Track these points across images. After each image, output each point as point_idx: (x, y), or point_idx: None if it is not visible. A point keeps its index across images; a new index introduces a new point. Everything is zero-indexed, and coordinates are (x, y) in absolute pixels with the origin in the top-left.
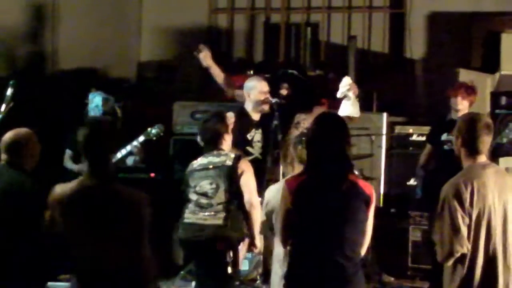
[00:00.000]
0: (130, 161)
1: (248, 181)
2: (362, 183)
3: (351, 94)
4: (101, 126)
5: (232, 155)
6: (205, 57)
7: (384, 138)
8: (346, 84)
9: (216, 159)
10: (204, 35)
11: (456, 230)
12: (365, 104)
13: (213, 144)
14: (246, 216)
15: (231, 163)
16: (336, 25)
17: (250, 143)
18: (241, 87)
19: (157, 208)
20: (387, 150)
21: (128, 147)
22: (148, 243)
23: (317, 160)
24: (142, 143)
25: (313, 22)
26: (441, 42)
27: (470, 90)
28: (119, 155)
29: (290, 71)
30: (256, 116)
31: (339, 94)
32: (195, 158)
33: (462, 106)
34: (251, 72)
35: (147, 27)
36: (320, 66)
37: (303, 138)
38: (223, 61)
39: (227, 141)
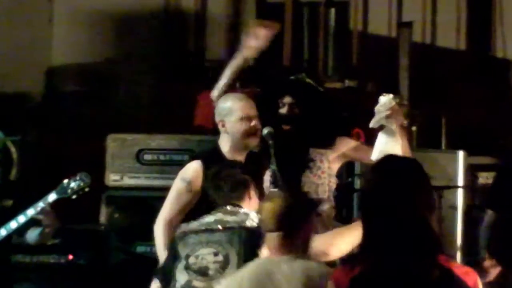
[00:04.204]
0: (32, 235)
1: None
2: (459, 270)
3: (392, 125)
4: None
5: (255, 215)
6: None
7: (460, 192)
8: (385, 107)
9: (229, 217)
10: (158, 23)
11: None
12: (428, 137)
13: (237, 194)
14: None
15: (256, 225)
16: (377, 5)
17: None
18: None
19: None
20: (466, 210)
21: (29, 212)
22: None
23: (380, 237)
24: (52, 205)
25: None
26: None
27: None
28: (13, 224)
29: (297, 76)
30: (237, 158)
31: (372, 123)
32: (143, 227)
33: None
34: (237, 84)
35: (62, 12)
36: (351, 73)
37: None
38: (190, 66)
39: (252, 200)
